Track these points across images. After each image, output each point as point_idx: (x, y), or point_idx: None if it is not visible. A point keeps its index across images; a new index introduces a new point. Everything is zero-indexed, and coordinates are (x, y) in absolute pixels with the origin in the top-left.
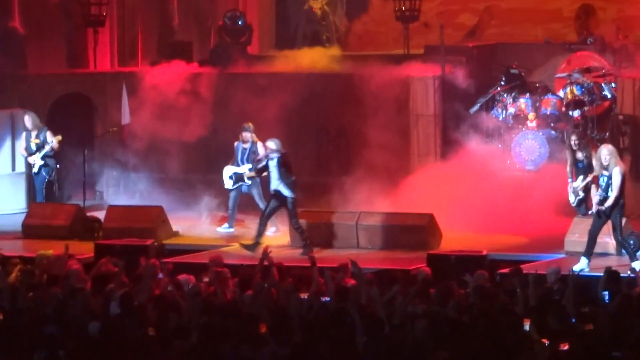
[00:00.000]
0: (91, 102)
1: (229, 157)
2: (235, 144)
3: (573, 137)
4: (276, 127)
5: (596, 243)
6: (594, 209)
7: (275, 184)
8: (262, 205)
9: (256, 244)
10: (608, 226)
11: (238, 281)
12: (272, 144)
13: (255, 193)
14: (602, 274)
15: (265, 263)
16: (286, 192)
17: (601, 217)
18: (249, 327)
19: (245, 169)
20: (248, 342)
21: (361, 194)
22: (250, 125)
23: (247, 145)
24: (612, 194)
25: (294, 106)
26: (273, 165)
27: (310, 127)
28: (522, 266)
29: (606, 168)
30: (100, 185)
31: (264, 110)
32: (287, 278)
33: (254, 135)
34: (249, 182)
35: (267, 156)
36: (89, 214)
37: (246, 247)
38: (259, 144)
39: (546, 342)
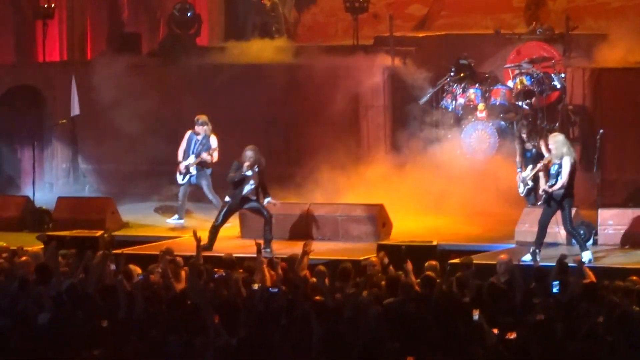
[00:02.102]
0: (40, 94)
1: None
2: (188, 133)
3: (521, 127)
4: (226, 118)
5: (546, 233)
6: (541, 191)
7: (252, 191)
8: (211, 197)
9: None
10: (558, 216)
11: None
12: (251, 153)
13: (205, 184)
14: (552, 264)
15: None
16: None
17: (551, 206)
18: (198, 318)
19: (191, 159)
20: (196, 333)
21: (311, 185)
22: (203, 118)
23: (200, 137)
24: (560, 181)
25: (244, 97)
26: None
27: (260, 118)
28: (472, 256)
29: (557, 157)
30: (50, 177)
31: (213, 101)
32: (237, 269)
33: (207, 128)
34: (194, 171)
35: (248, 168)
36: (38, 205)
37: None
38: (212, 137)
39: (496, 332)
